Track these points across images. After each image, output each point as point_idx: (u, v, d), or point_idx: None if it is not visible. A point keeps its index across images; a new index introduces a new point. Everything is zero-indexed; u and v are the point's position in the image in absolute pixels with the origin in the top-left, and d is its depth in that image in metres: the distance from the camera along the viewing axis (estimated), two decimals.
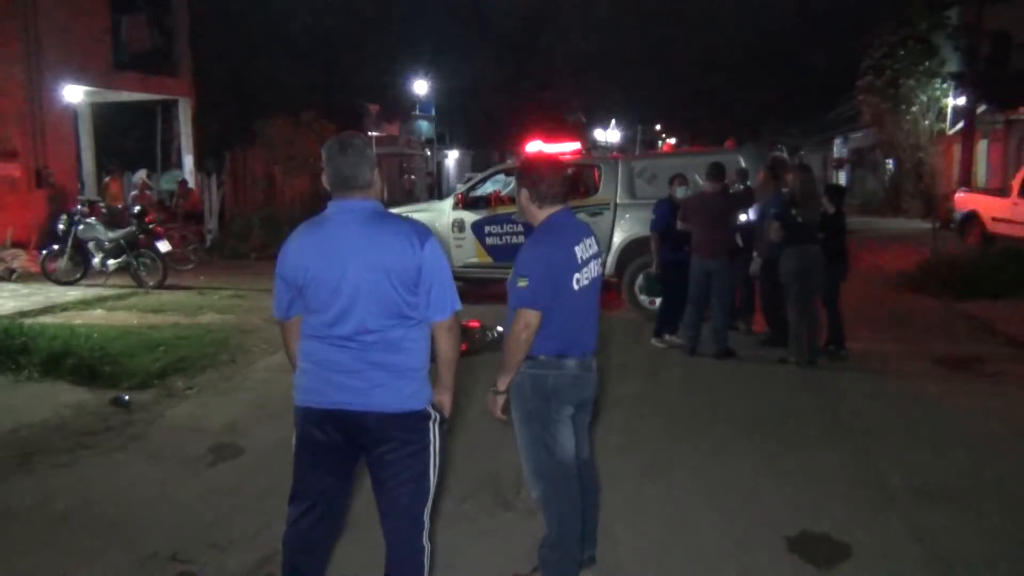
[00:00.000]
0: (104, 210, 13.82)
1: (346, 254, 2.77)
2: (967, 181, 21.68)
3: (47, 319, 9.20)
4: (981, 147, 24.07)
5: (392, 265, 2.77)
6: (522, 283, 3.22)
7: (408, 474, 2.86)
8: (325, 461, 2.91)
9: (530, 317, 3.22)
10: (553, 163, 3.55)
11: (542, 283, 3.22)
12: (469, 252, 10.73)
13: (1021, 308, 9.93)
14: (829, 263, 7.56)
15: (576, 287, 3.31)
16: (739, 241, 8.29)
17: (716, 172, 7.90)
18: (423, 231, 2.86)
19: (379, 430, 2.83)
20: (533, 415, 3.34)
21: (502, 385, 3.32)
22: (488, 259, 10.67)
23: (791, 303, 7.52)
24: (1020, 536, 4.13)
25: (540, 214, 3.38)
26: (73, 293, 11.23)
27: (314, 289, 2.81)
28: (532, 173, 3.39)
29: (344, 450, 2.90)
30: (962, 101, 23.54)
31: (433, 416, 2.91)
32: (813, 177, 7.93)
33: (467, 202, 11.03)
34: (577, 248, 3.33)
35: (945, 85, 25.17)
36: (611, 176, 10.33)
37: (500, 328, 8.30)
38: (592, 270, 3.41)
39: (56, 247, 12.21)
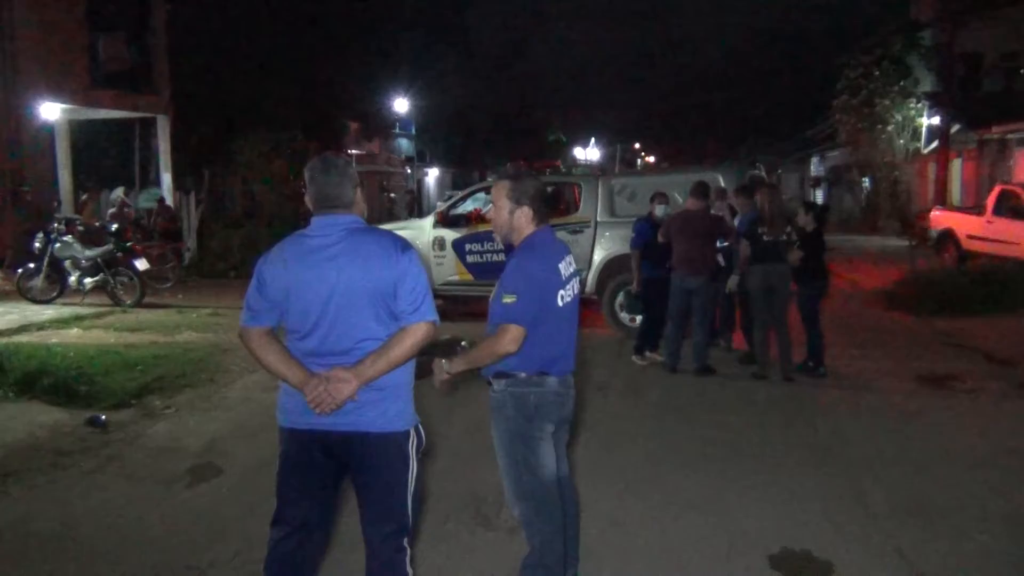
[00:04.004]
0: (81, 228, 13.68)
1: (328, 269, 2.77)
2: (942, 199, 21.94)
3: (23, 338, 9.09)
4: (955, 166, 24.37)
5: (374, 278, 2.77)
6: (509, 299, 3.21)
7: (393, 498, 2.85)
8: (309, 482, 2.89)
9: (517, 333, 3.20)
10: (540, 180, 3.56)
11: (530, 300, 3.22)
12: (450, 270, 10.71)
13: (996, 324, 10.07)
14: (808, 281, 7.67)
15: (560, 304, 3.32)
16: (720, 260, 8.33)
17: (701, 190, 7.92)
18: (403, 243, 2.88)
19: (364, 451, 2.81)
20: (515, 434, 3.33)
21: (454, 369, 3.32)
22: (468, 276, 10.65)
23: (754, 317, 7.79)
24: (1000, 552, 4.15)
25: (529, 231, 3.39)
26: (49, 312, 11.10)
27: (297, 305, 2.80)
28: (531, 191, 3.37)
29: (328, 471, 2.88)
30: (936, 121, 23.83)
31: (412, 439, 2.89)
32: (781, 196, 8.06)
33: (447, 220, 11.02)
34: (560, 265, 3.36)
35: (920, 105, 25.51)
36: (591, 194, 10.37)
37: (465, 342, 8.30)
38: (574, 287, 3.44)
39: (32, 265, 12.06)
